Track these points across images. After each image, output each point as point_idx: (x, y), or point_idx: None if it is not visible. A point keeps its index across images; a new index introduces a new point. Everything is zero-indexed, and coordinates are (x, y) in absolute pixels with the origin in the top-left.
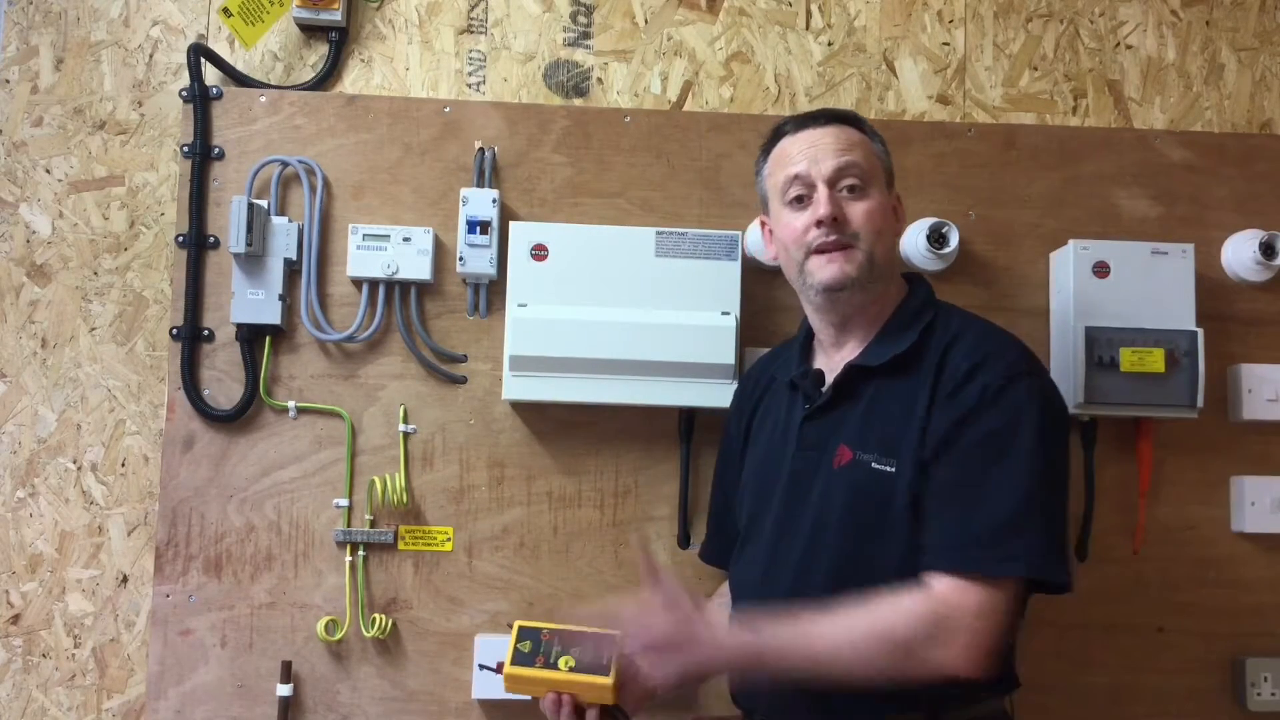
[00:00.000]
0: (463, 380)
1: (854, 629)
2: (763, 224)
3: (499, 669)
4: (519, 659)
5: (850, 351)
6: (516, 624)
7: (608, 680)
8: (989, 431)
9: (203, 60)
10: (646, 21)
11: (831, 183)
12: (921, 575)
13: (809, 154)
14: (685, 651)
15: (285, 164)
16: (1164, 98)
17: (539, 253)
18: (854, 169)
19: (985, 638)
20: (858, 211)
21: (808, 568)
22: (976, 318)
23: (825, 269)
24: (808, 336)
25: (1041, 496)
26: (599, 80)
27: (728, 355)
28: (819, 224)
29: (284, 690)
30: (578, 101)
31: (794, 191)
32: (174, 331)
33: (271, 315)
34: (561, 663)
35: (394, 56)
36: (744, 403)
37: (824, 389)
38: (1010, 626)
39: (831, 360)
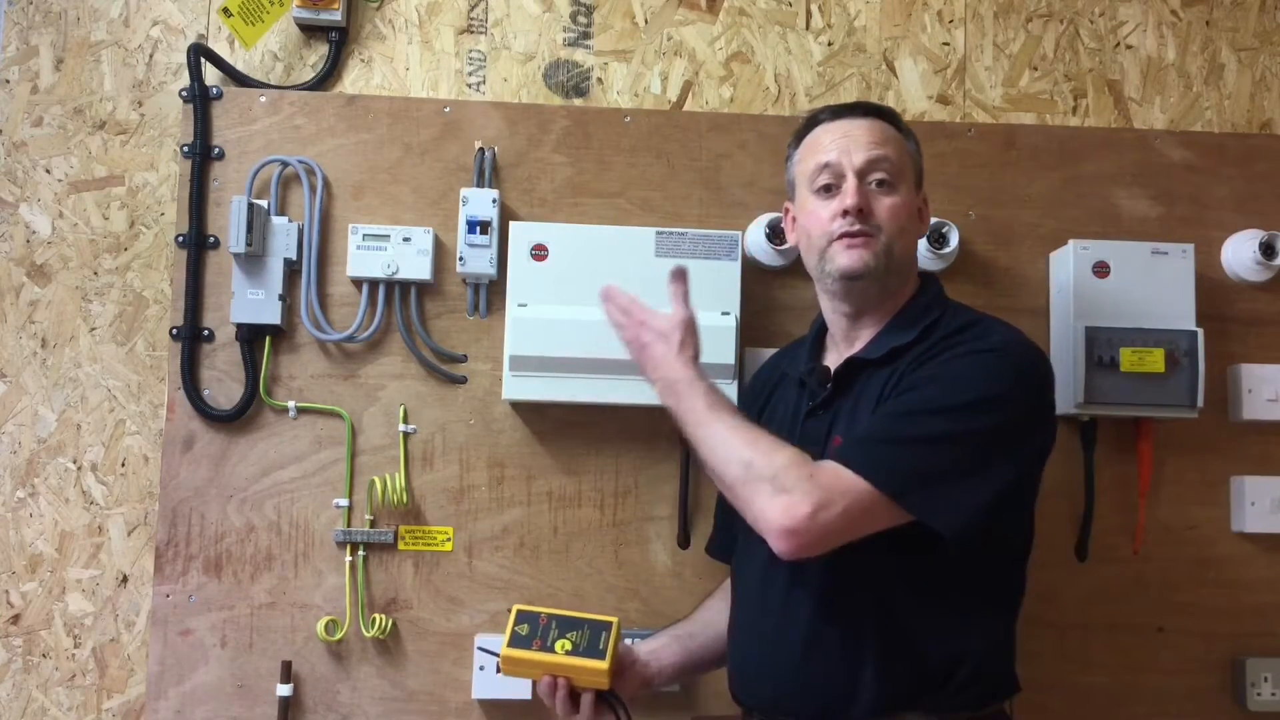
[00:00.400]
0: (463, 380)
1: (740, 433)
2: (786, 210)
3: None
4: (516, 641)
5: (859, 346)
6: (515, 608)
7: (603, 664)
8: (947, 377)
9: (203, 60)
10: (646, 21)
11: (861, 174)
12: None
13: (841, 144)
14: (660, 348)
15: (285, 164)
16: (1164, 98)
17: (539, 253)
18: (884, 164)
19: (811, 512)
20: (883, 206)
21: (805, 563)
22: (981, 316)
23: (844, 254)
24: (819, 333)
25: (962, 448)
26: (599, 80)
27: (728, 355)
28: (845, 213)
29: (284, 690)
30: (578, 101)
31: (823, 180)
32: (174, 331)
33: (271, 315)
34: (558, 646)
35: (394, 56)
36: (752, 399)
37: (828, 385)
38: (850, 531)
39: (842, 356)
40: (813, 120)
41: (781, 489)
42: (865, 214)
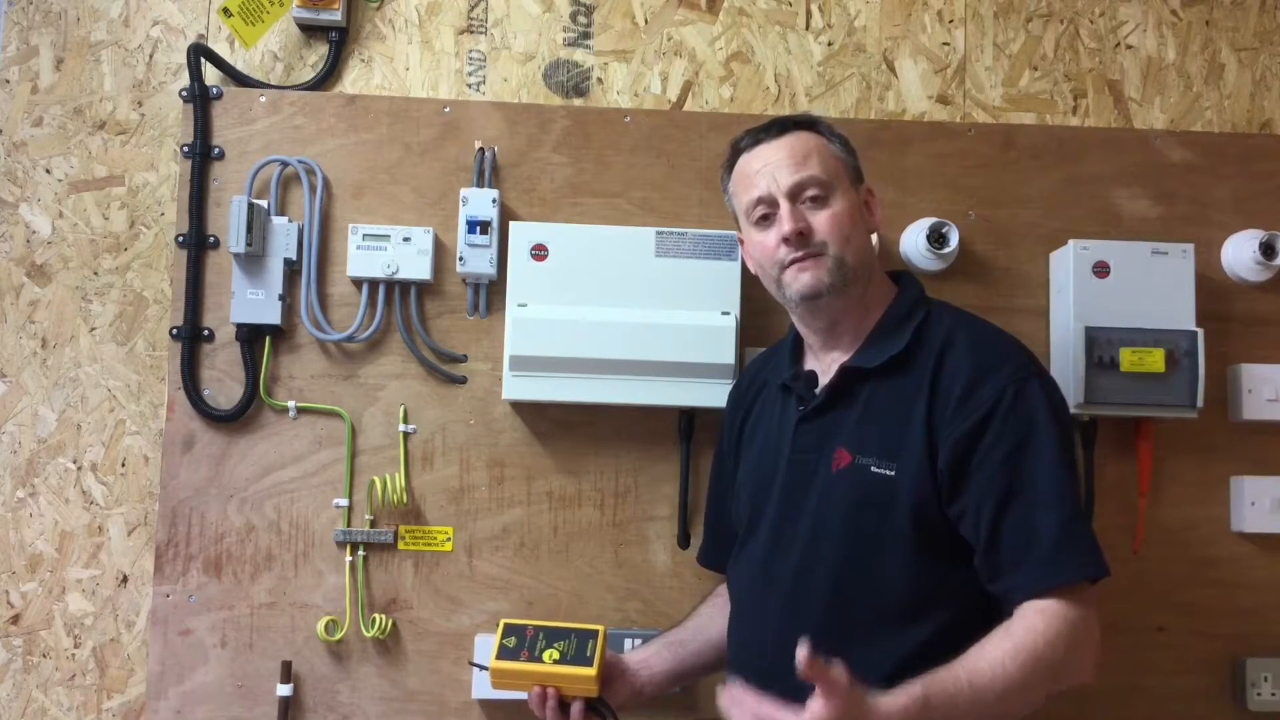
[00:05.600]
0: (463, 380)
1: (1008, 663)
2: (741, 242)
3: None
4: (504, 654)
5: (841, 354)
6: (502, 621)
7: (591, 671)
8: (1016, 443)
9: (203, 60)
10: (646, 21)
11: (793, 196)
12: (1014, 603)
13: (767, 172)
14: None
15: (285, 164)
16: (1164, 98)
17: (539, 253)
18: (813, 181)
19: (1097, 640)
20: (821, 221)
21: (808, 569)
22: (969, 316)
23: (798, 279)
24: (796, 338)
25: (1075, 492)
26: (599, 80)
27: (728, 355)
28: (785, 240)
29: (284, 690)
30: (578, 101)
31: (759, 211)
32: (174, 331)
33: (271, 315)
34: (546, 656)
35: (394, 56)
36: (737, 407)
37: (817, 391)
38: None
39: (822, 362)
40: (735, 149)
41: (1074, 657)
42: (805, 236)
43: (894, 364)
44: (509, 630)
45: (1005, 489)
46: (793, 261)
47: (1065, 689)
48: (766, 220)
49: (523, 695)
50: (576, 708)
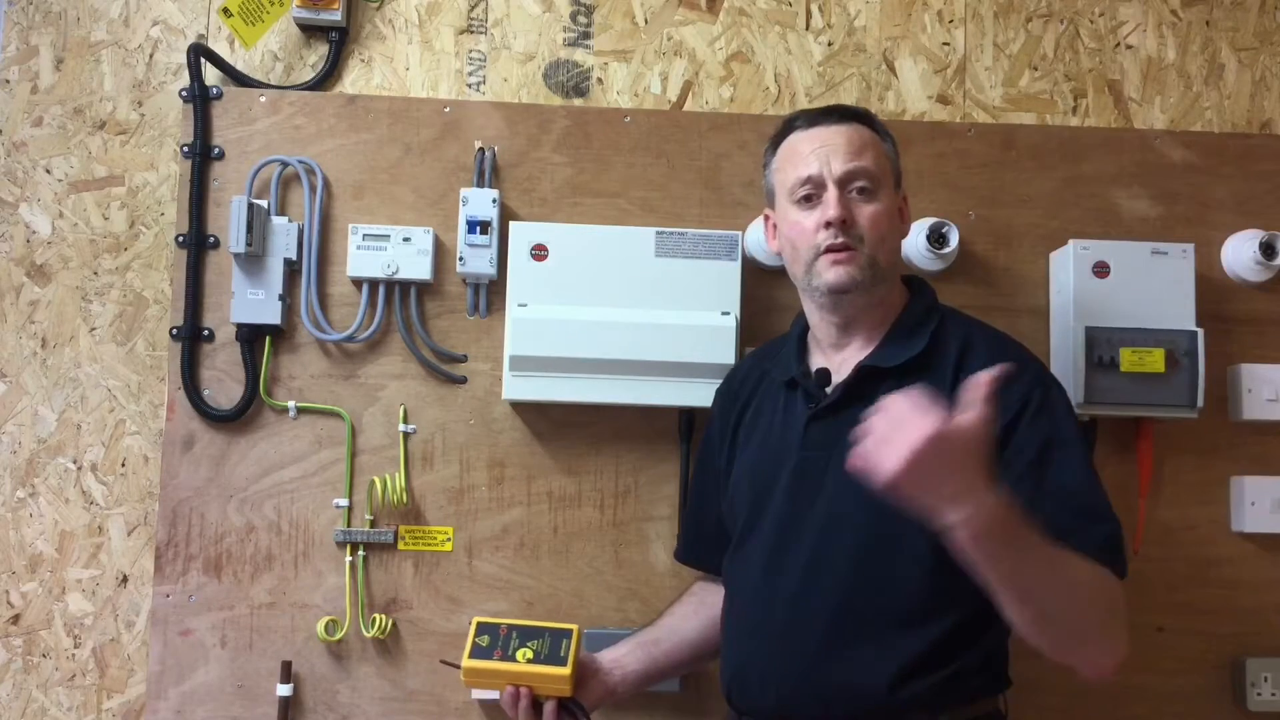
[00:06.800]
0: (463, 380)
1: (1080, 565)
2: (766, 217)
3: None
4: (477, 653)
5: (854, 352)
6: (475, 620)
7: (565, 671)
8: (1044, 445)
9: (203, 60)
10: (646, 21)
11: (842, 184)
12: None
13: (820, 154)
14: (969, 465)
15: (285, 164)
16: (1164, 98)
17: (539, 253)
18: (865, 173)
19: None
20: (865, 215)
21: (818, 567)
22: (980, 323)
23: (831, 270)
24: (802, 336)
25: (1106, 495)
26: (599, 80)
27: (728, 355)
28: (828, 225)
29: (284, 690)
30: (578, 101)
31: (804, 191)
32: (174, 331)
33: (271, 315)
34: (519, 655)
35: (394, 56)
36: (731, 403)
37: (829, 389)
38: None
39: (832, 360)
40: (788, 127)
41: (1122, 624)
42: (848, 225)
43: (913, 365)
44: (482, 629)
45: (1034, 489)
46: (829, 249)
47: (1099, 655)
48: (809, 201)
49: (485, 692)
50: (549, 707)
